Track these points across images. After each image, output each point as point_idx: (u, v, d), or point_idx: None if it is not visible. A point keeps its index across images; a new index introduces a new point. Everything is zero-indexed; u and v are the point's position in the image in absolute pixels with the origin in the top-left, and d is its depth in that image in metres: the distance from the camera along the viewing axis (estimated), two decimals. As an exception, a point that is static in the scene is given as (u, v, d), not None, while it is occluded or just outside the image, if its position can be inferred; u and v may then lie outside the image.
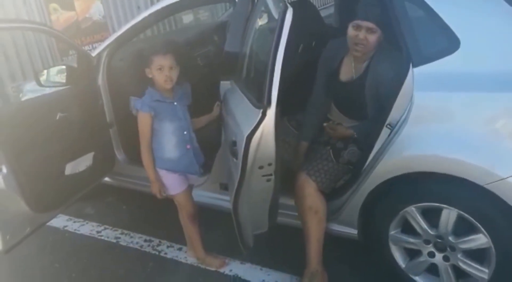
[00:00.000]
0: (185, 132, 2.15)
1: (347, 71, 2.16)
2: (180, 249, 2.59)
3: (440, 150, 1.74)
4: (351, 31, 1.99)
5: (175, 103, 2.13)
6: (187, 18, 5.90)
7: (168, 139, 2.13)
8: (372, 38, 1.95)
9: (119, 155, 2.82)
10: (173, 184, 2.21)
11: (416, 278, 2.03)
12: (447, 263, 1.91)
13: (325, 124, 2.19)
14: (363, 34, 1.96)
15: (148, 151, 2.14)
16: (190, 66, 2.18)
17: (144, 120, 2.09)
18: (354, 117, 2.20)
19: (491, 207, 1.70)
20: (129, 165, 2.82)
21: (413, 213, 1.88)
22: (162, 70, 2.03)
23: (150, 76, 2.08)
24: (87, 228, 2.93)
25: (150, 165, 2.16)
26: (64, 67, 2.53)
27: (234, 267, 2.39)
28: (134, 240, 2.74)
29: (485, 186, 1.66)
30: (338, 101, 2.26)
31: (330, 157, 2.12)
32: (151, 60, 2.04)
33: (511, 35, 1.70)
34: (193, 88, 2.25)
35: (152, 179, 2.18)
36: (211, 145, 2.31)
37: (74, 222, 3.02)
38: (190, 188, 2.32)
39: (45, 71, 2.50)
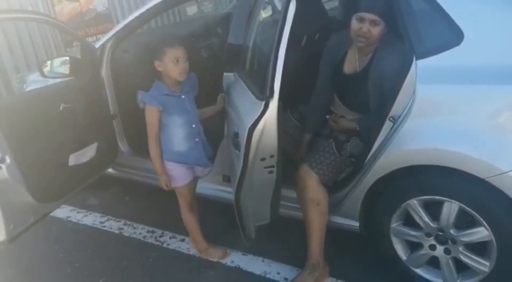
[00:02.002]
0: (193, 126, 2.15)
1: (351, 63, 2.15)
2: (182, 240, 2.61)
3: (442, 143, 1.74)
4: (354, 23, 1.98)
5: (183, 96, 2.12)
6: (191, 10, 5.88)
7: (176, 133, 2.13)
8: (376, 30, 1.94)
9: (123, 146, 2.84)
10: (179, 176, 2.22)
11: (417, 270, 2.04)
12: (448, 256, 1.92)
13: (327, 117, 2.19)
14: (366, 26, 1.94)
15: (156, 144, 2.13)
16: (194, 58, 2.17)
17: (152, 114, 2.07)
18: (357, 110, 2.19)
19: (492, 200, 1.71)
20: (133, 156, 2.84)
21: (415, 206, 1.89)
22: (178, 62, 2.02)
23: (160, 69, 2.05)
24: (91, 219, 2.95)
25: (157, 158, 2.15)
26: (67, 58, 2.53)
27: (236, 258, 2.40)
28: (137, 231, 2.76)
29: (487, 179, 1.65)
30: (342, 94, 2.26)
31: (332, 149, 2.12)
32: (164, 52, 2.01)
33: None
34: (197, 80, 2.25)
35: (160, 172, 2.17)
36: (214, 137, 2.32)
37: (78, 212, 3.04)
38: (195, 179, 2.33)
39: (49, 62, 2.51)
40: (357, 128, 2.10)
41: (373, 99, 2.06)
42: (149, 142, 2.13)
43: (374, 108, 2.06)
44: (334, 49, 2.23)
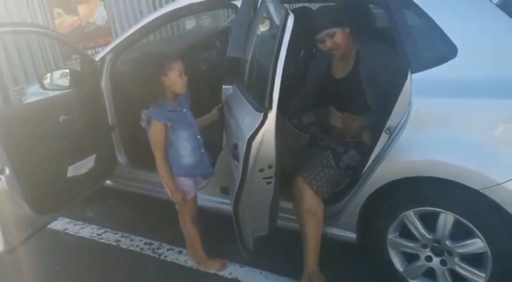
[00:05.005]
0: (198, 137, 2.18)
1: (338, 70, 2.27)
2: (180, 252, 2.60)
3: (437, 155, 1.77)
4: (320, 46, 2.17)
5: (184, 110, 2.15)
6: (190, 23, 5.95)
7: (184, 147, 2.14)
8: (338, 38, 2.10)
9: (121, 158, 2.85)
10: (188, 190, 2.23)
11: (414, 282, 2.05)
12: (444, 267, 1.93)
13: (341, 115, 2.24)
14: (329, 42, 2.11)
15: (164, 161, 2.13)
16: (193, 71, 2.20)
17: (159, 131, 2.07)
18: (358, 112, 2.23)
19: (487, 211, 1.73)
20: (131, 168, 2.85)
21: (411, 217, 1.91)
22: (182, 76, 2.05)
23: (166, 84, 2.05)
24: (88, 231, 2.95)
25: (168, 175, 2.15)
26: (67, 70, 2.55)
27: (233, 270, 2.40)
28: (135, 243, 2.76)
29: (482, 191, 1.68)
30: (338, 102, 2.31)
31: (330, 162, 2.14)
32: (171, 67, 2.03)
33: (508, 42, 1.73)
34: (196, 92, 2.28)
35: (173, 188, 2.16)
36: (211, 149, 2.34)
37: (75, 224, 3.03)
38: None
39: (49, 74, 2.53)
40: (366, 129, 2.13)
41: (370, 96, 2.11)
42: (157, 161, 2.13)
43: (374, 105, 2.10)
44: (318, 64, 2.37)
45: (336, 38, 2.10)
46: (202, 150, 2.20)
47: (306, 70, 2.49)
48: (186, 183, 2.21)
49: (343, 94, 2.25)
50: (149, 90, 2.08)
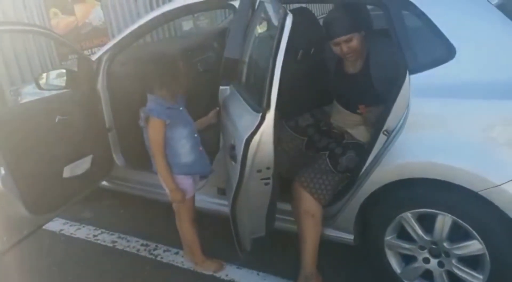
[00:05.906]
0: (196, 135, 2.17)
1: (349, 67, 2.25)
2: (176, 253, 2.59)
3: (435, 156, 1.76)
4: (334, 49, 2.13)
5: (181, 108, 2.15)
6: (187, 24, 5.94)
7: (182, 145, 2.13)
8: (354, 43, 2.07)
9: (118, 159, 2.83)
10: (188, 188, 2.22)
11: (411, 284, 2.04)
12: (441, 269, 1.93)
13: (359, 111, 2.20)
14: (345, 46, 2.08)
15: (164, 160, 2.11)
16: (190, 72, 2.21)
17: (159, 129, 2.06)
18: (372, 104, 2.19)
19: (485, 213, 1.73)
20: (128, 169, 2.83)
21: (409, 218, 1.90)
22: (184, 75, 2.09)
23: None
24: (84, 232, 2.93)
25: (168, 173, 2.13)
26: (64, 70, 2.54)
27: (230, 272, 2.39)
28: (131, 244, 2.74)
29: (479, 193, 1.68)
30: (344, 97, 2.32)
31: (328, 167, 2.14)
32: (180, 64, 2.10)
33: (506, 43, 1.73)
34: (194, 93, 2.27)
35: (173, 187, 2.14)
36: (209, 150, 2.33)
37: (71, 225, 3.01)
38: None
39: (45, 74, 2.52)
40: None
41: (382, 89, 2.07)
42: (156, 159, 2.12)
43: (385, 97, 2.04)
44: (328, 58, 2.35)
45: (353, 42, 2.06)
46: (201, 148, 2.19)
47: (308, 75, 2.47)
48: (186, 181, 2.20)
49: (354, 89, 2.23)
50: (144, 90, 2.09)
